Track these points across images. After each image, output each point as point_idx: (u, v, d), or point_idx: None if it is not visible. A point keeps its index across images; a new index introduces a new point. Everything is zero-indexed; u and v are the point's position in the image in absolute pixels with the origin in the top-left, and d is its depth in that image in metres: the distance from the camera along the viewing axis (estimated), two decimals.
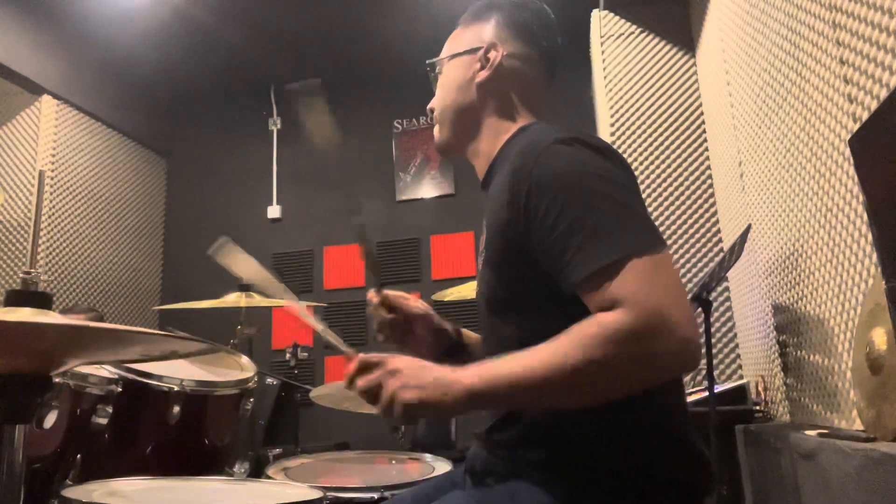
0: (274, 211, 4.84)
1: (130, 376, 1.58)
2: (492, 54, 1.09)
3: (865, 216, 1.40)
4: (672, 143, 3.13)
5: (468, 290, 2.71)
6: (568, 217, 0.83)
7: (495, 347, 1.01)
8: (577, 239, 0.82)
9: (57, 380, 1.45)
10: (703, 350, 2.06)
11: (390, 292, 1.17)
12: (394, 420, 0.85)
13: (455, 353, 1.19)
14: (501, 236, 0.95)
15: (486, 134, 1.10)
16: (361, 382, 0.87)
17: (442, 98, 1.15)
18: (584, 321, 0.79)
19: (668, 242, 3.04)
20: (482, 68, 1.10)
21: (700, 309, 2.08)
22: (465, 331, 1.25)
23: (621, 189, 0.85)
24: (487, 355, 1.02)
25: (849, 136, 1.31)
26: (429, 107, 1.19)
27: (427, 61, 1.19)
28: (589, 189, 0.84)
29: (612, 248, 0.79)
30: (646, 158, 3.11)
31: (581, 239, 0.81)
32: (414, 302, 1.19)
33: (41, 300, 0.94)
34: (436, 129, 1.17)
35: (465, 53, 1.12)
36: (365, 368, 0.88)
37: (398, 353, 0.89)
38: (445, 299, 2.89)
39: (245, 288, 2.73)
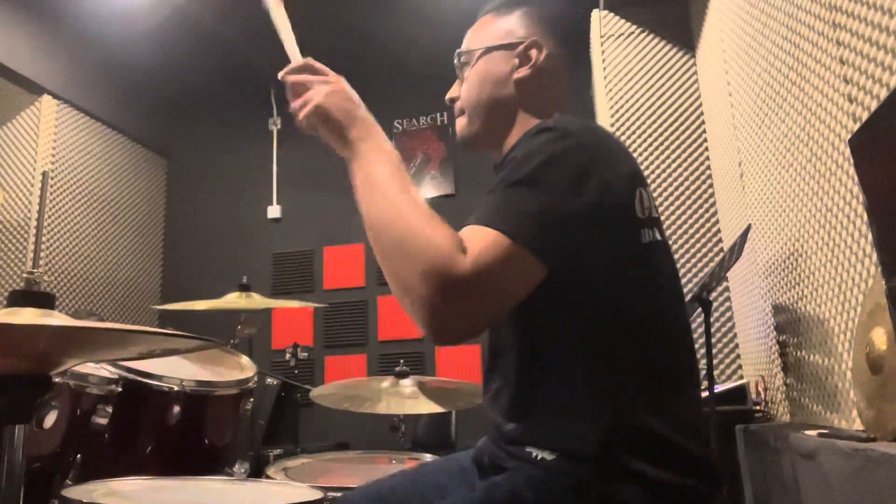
0: (274, 211, 4.84)
1: (130, 376, 1.59)
2: (533, 52, 1.09)
3: (865, 216, 1.40)
4: (672, 143, 3.13)
5: None
6: (497, 183, 0.87)
7: (491, 344, 1.01)
8: (483, 204, 0.86)
9: (57, 380, 1.45)
10: (702, 351, 2.06)
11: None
12: (299, 123, 0.97)
13: None
14: None
15: (516, 130, 1.09)
16: (295, 77, 0.99)
17: (476, 91, 1.12)
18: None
19: (668, 242, 3.03)
20: (522, 65, 1.09)
21: (700, 309, 2.08)
22: None
23: (547, 178, 0.85)
24: (492, 344, 1.03)
25: (849, 136, 1.31)
26: (449, 96, 1.17)
27: (457, 51, 1.16)
28: (519, 168, 0.86)
29: (498, 217, 0.83)
30: (646, 158, 3.11)
31: (483, 205, 0.86)
32: None
33: (44, 300, 0.94)
34: (462, 121, 1.14)
35: (504, 47, 1.10)
36: (308, 69, 0.99)
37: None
38: None
39: (245, 288, 2.73)
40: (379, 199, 0.87)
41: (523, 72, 1.09)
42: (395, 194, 0.86)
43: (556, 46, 1.10)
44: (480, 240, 0.80)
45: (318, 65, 0.99)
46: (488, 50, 1.12)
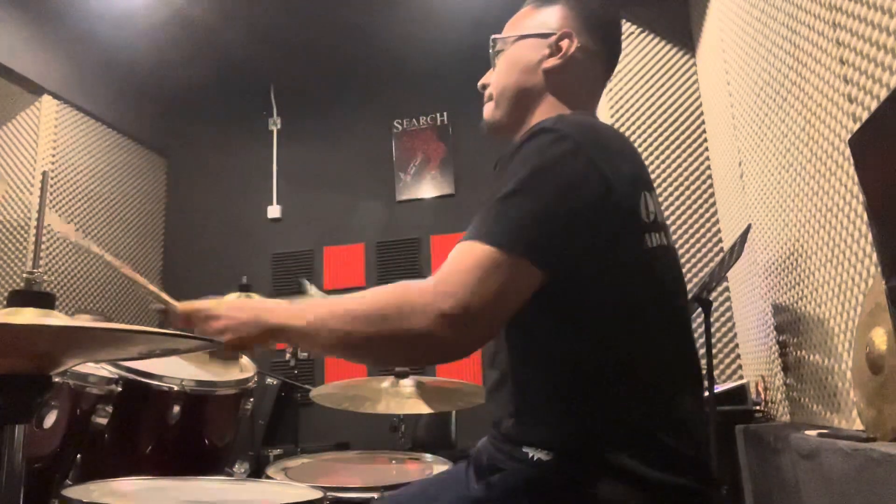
0: (274, 211, 4.84)
1: (130, 376, 1.59)
2: (564, 43, 1.08)
3: (865, 216, 1.40)
4: (672, 143, 3.13)
5: None
6: (492, 194, 0.87)
7: (491, 348, 1.01)
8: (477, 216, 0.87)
9: (57, 380, 1.46)
10: (702, 351, 2.06)
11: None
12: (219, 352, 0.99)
13: None
14: None
15: (535, 119, 1.08)
16: (185, 324, 0.99)
17: (505, 77, 1.12)
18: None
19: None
20: (552, 55, 1.09)
21: (700, 309, 2.09)
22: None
23: (537, 185, 0.85)
24: (493, 352, 1.02)
25: (849, 136, 1.31)
26: (481, 83, 1.17)
27: (493, 36, 1.16)
28: (520, 174, 0.86)
29: (471, 231, 0.84)
30: (646, 159, 3.11)
31: (479, 217, 0.86)
32: None
33: (44, 300, 0.94)
34: (489, 107, 1.15)
35: (537, 36, 1.11)
36: (194, 317, 0.99)
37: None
38: None
39: (245, 288, 2.73)
40: (338, 328, 0.87)
41: (552, 62, 1.08)
42: (341, 312, 0.87)
43: (590, 42, 1.10)
44: (469, 257, 0.82)
45: (194, 306, 1.00)
46: (521, 37, 1.13)
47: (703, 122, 3.13)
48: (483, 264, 0.81)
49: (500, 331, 0.82)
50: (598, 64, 1.12)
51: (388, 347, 0.85)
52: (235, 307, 0.97)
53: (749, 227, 2.22)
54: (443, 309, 0.79)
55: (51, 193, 4.02)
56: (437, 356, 0.84)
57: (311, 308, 0.91)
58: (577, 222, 0.84)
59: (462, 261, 0.82)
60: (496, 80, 1.14)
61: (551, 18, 1.11)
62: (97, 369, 1.56)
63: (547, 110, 1.07)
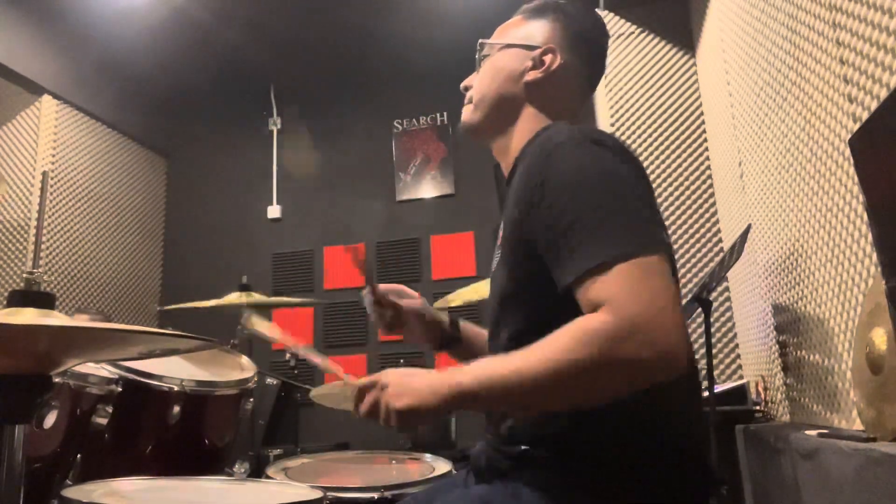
0: (274, 211, 4.84)
1: (130, 376, 1.58)
2: (548, 58, 1.10)
3: (865, 216, 1.40)
4: (672, 143, 3.13)
5: (470, 294, 2.70)
6: (567, 217, 0.85)
7: (503, 345, 1.00)
8: (570, 240, 0.84)
9: (57, 380, 1.46)
10: (702, 351, 2.06)
11: (384, 287, 1.23)
12: (396, 429, 0.90)
13: (450, 345, 1.26)
14: (514, 234, 0.96)
15: (517, 132, 1.10)
16: (363, 406, 0.92)
17: (487, 83, 1.14)
18: (570, 323, 0.81)
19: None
20: (534, 68, 1.10)
21: (700, 309, 2.08)
22: (463, 323, 1.30)
23: (623, 189, 0.86)
24: (495, 353, 1.02)
25: (849, 136, 1.31)
26: (464, 84, 1.19)
27: (480, 40, 1.18)
28: (590, 189, 0.85)
29: (601, 250, 0.81)
30: (646, 158, 3.11)
31: (574, 241, 0.83)
32: (408, 300, 1.24)
33: (44, 300, 0.94)
34: (468, 109, 1.17)
35: (522, 47, 1.12)
36: (363, 393, 0.93)
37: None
38: (451, 304, 2.86)
39: (245, 288, 2.73)
40: (533, 386, 0.82)
41: (534, 74, 1.10)
42: (528, 371, 0.81)
43: (574, 59, 1.11)
44: (623, 278, 0.79)
45: (366, 383, 0.93)
46: (507, 46, 1.14)
47: (703, 123, 3.13)
48: (638, 276, 0.79)
49: (686, 330, 0.79)
50: (580, 81, 1.14)
51: (604, 386, 0.81)
52: (405, 374, 0.90)
53: (749, 227, 2.22)
54: (639, 332, 0.76)
55: (51, 193, 4.02)
56: (659, 376, 0.79)
57: (500, 367, 0.84)
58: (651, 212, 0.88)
59: (621, 283, 0.79)
60: (478, 84, 1.15)
61: (538, 32, 1.13)
62: (97, 369, 1.55)
63: (527, 121, 1.10)
